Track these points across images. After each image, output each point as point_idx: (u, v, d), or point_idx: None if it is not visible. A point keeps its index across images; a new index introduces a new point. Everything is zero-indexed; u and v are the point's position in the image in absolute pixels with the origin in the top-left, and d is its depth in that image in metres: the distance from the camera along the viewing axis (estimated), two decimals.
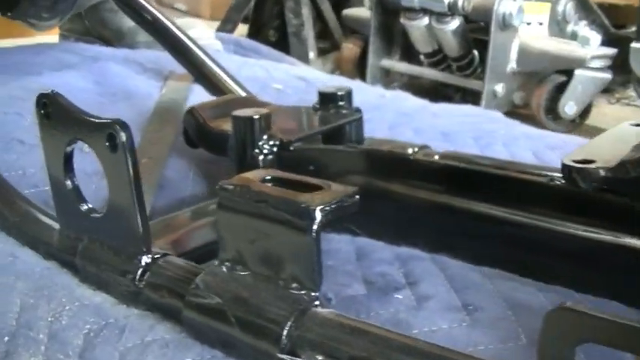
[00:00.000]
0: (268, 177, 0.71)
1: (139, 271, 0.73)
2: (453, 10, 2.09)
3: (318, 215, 0.61)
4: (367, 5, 2.36)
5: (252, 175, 0.71)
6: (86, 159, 0.81)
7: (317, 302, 0.63)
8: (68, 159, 0.78)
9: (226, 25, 2.43)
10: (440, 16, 2.12)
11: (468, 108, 1.54)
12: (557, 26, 2.18)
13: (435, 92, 2.28)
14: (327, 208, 0.62)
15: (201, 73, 1.39)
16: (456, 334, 0.73)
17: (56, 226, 0.84)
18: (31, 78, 1.32)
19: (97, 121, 0.73)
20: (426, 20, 2.15)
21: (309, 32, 2.20)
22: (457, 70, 2.19)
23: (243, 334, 0.64)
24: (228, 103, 1.04)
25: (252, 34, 2.46)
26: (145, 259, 0.74)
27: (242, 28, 2.58)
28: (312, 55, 2.28)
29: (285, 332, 0.61)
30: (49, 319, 0.73)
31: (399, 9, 2.21)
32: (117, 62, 1.53)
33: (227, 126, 0.95)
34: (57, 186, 0.79)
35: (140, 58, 1.57)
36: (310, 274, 0.63)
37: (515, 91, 2.10)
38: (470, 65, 2.19)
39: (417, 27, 2.17)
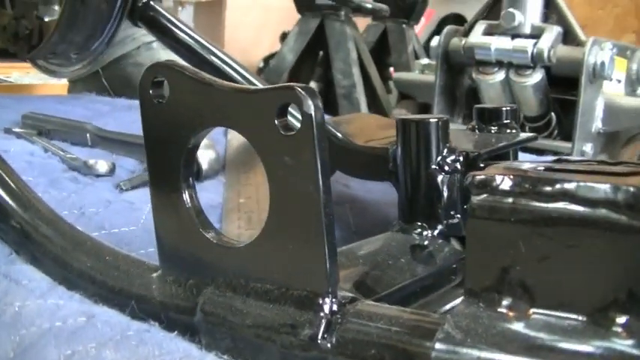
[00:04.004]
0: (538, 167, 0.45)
1: (322, 325, 0.46)
2: (536, 62, 1.86)
3: None
4: (418, 68, 2.14)
5: (510, 164, 0.46)
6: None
7: None
8: (188, 162, 0.52)
9: None
10: (520, 69, 1.89)
11: None
12: (631, 86, 1.96)
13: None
14: None
15: None
16: None
17: (154, 270, 0.56)
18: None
19: (258, 88, 0.46)
20: (502, 75, 1.92)
21: (361, 94, 1.98)
22: (530, 132, 1.94)
23: None
24: (352, 121, 0.78)
25: None
26: (331, 306, 0.46)
27: None
28: None
29: None
30: None
31: (465, 65, 1.99)
32: None
33: (377, 142, 0.69)
34: (164, 206, 0.53)
35: None
36: None
37: (598, 153, 1.87)
38: (548, 126, 1.96)
39: (492, 83, 1.93)
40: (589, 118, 1.84)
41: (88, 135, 1.03)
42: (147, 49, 1.62)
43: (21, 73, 2.58)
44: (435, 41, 1.97)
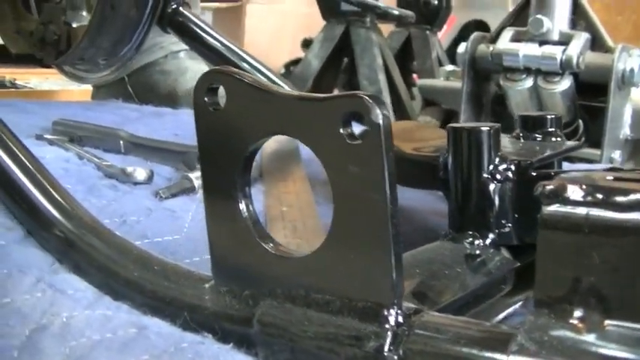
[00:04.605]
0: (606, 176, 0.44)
1: (388, 337, 0.45)
2: (565, 69, 1.84)
3: None
4: (443, 75, 2.12)
5: (577, 174, 0.45)
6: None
7: None
8: (245, 171, 0.51)
9: None
10: (548, 76, 1.87)
11: None
12: None
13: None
14: None
15: None
16: None
17: (206, 281, 0.55)
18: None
19: (322, 96, 0.45)
20: (530, 81, 1.90)
21: (387, 100, 1.97)
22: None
23: None
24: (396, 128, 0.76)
25: None
26: (397, 318, 0.45)
27: None
28: None
29: None
30: None
31: (492, 72, 1.97)
32: (189, 116, 1.26)
33: (424, 150, 0.68)
34: (218, 216, 0.52)
35: None
36: None
37: (626, 161, 1.85)
38: (575, 133, 1.94)
39: (520, 89, 1.91)
40: (617, 125, 1.82)
41: (121, 142, 1.02)
42: (173, 57, 1.61)
43: (40, 79, 2.58)
44: (461, 48, 1.95)
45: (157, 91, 1.60)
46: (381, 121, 0.43)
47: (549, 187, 0.43)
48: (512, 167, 0.64)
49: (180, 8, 1.31)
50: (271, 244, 0.50)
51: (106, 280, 0.63)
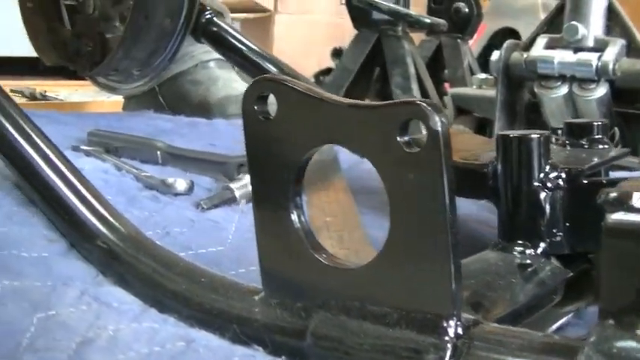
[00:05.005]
0: None
1: (448, 349, 0.44)
2: (600, 75, 1.82)
3: None
4: (476, 83, 2.11)
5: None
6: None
7: None
8: (297, 180, 0.50)
9: None
10: (583, 83, 1.85)
11: None
12: None
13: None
14: None
15: None
16: None
17: (255, 293, 0.54)
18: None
19: (378, 103, 0.44)
20: (565, 89, 1.88)
21: None
22: None
23: None
24: None
25: None
26: (456, 329, 0.44)
27: None
28: None
29: None
30: None
31: (526, 79, 1.95)
32: (224, 125, 1.26)
33: (472, 158, 0.67)
34: (269, 227, 0.51)
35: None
36: None
37: None
38: (611, 140, 1.92)
39: (554, 97, 1.90)
40: None
41: (158, 152, 1.01)
42: (204, 67, 1.60)
43: (69, 91, 2.58)
44: (495, 56, 1.93)
45: (189, 100, 1.59)
46: (440, 128, 0.42)
47: (613, 195, 0.42)
48: (563, 175, 0.63)
49: (215, 18, 1.31)
50: (325, 256, 0.49)
51: (151, 293, 0.62)
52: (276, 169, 0.50)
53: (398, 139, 0.44)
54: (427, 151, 0.43)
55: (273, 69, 1.26)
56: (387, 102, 0.45)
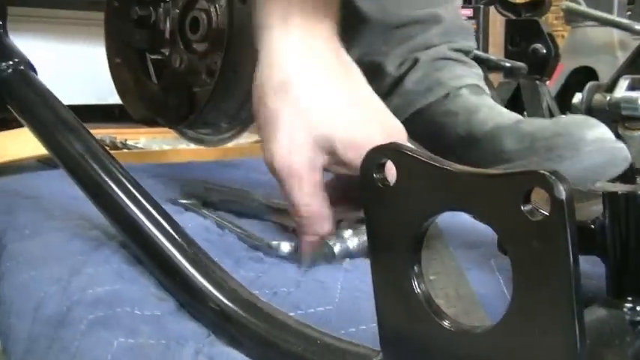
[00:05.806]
0: None
1: None
2: None
3: None
4: None
5: None
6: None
7: None
8: (417, 247, 0.51)
9: None
10: None
11: None
12: None
13: None
14: None
15: None
16: None
17: (374, 355, 0.56)
18: None
19: (501, 172, 0.46)
20: None
21: None
22: None
23: None
24: None
25: None
26: None
27: None
28: None
29: None
30: None
31: (610, 121, 1.94)
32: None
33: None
34: (389, 292, 0.52)
35: None
36: None
37: None
38: None
39: (639, 138, 1.89)
40: None
41: (257, 206, 1.03)
42: (456, 95, 1.40)
43: (148, 138, 2.60)
44: (577, 98, 1.93)
45: (445, 134, 1.39)
46: (564, 197, 0.43)
47: None
48: None
49: None
50: (448, 321, 0.50)
51: (266, 354, 0.63)
52: (395, 236, 0.51)
53: (522, 207, 0.44)
54: (552, 219, 0.43)
55: None
56: (510, 171, 0.45)
